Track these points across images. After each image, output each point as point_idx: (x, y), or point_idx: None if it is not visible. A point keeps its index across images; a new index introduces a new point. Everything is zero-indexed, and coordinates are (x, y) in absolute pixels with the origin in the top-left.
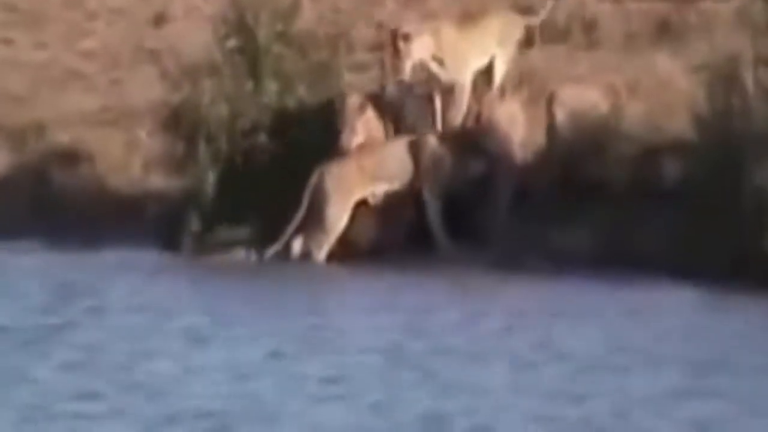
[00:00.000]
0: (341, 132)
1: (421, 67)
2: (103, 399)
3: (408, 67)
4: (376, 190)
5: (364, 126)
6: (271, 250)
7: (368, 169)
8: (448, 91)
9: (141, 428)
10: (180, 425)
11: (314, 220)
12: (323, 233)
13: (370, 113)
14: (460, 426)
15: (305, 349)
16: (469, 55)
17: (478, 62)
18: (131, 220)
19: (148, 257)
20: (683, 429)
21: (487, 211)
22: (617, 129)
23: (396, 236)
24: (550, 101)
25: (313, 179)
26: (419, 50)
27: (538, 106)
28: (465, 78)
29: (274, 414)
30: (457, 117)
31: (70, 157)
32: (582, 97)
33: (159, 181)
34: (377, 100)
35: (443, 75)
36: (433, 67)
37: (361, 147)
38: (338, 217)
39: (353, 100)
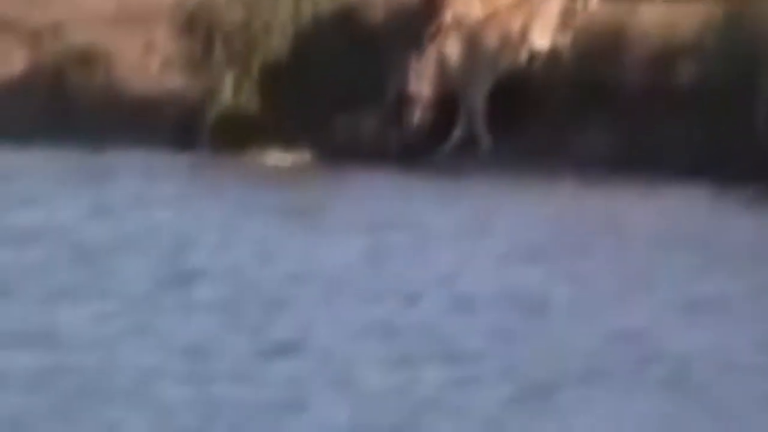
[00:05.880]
0: None
1: None
2: None
3: None
4: None
5: None
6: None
7: None
8: None
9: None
10: None
11: None
12: None
13: None
14: None
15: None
16: None
17: None
18: (148, 120)
19: (165, 158)
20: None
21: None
22: (632, 31)
23: (399, 140)
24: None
25: None
26: None
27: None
28: None
29: None
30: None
31: (87, 57)
32: None
33: (176, 82)
34: None
35: None
36: None
37: None
38: None
39: None
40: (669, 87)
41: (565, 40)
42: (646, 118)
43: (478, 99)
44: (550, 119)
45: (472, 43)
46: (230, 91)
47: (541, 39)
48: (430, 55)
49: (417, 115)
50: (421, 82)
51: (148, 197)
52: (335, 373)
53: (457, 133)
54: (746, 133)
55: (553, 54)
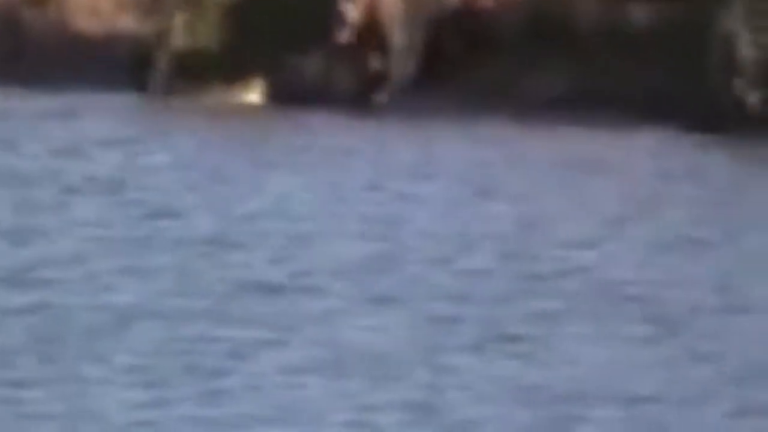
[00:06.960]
0: None
1: None
2: None
3: None
4: None
5: None
6: None
7: None
8: None
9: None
10: None
11: None
12: None
13: None
14: None
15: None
16: None
17: None
18: (100, 61)
19: (117, 98)
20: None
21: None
22: None
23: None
24: None
25: None
26: None
27: None
28: None
29: None
30: None
31: None
32: None
33: (128, 24)
34: None
35: None
36: None
37: None
38: None
39: None
40: (624, 28)
41: None
42: (600, 60)
43: (412, 36)
44: (502, 60)
45: None
46: (183, 33)
47: None
48: None
49: (344, 35)
50: (351, 4)
51: (107, 139)
52: None
53: (398, 71)
54: (699, 75)
55: None
